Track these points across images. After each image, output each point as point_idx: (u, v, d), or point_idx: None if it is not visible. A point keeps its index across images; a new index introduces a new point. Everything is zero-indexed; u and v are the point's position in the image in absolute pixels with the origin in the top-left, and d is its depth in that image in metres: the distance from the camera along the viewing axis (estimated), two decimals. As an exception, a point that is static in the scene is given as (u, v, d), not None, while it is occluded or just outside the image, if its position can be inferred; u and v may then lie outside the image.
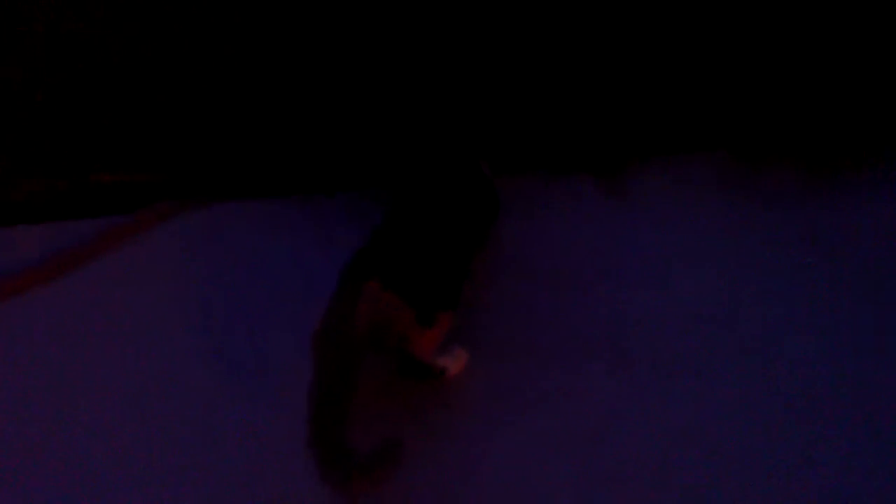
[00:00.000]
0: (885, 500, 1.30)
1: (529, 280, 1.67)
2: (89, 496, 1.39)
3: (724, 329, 1.54)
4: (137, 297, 1.70)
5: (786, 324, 1.53)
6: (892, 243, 1.63)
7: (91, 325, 1.66)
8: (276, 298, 1.68)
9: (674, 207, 1.79)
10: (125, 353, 1.60)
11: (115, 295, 1.71)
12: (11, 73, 1.93)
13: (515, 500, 1.34)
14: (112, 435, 1.47)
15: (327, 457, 1.22)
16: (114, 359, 1.59)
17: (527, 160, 1.85)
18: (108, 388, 1.54)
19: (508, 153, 1.84)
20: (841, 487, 1.31)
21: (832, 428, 1.38)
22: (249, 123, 1.92)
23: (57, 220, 1.83)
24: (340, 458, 1.22)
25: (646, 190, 1.83)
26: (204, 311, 1.68)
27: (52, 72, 1.94)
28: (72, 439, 1.47)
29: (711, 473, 1.35)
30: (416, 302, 1.33)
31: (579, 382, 1.48)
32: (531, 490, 1.35)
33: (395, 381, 1.48)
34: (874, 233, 1.66)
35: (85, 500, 1.38)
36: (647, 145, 1.91)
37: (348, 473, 1.20)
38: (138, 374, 1.56)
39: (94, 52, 1.94)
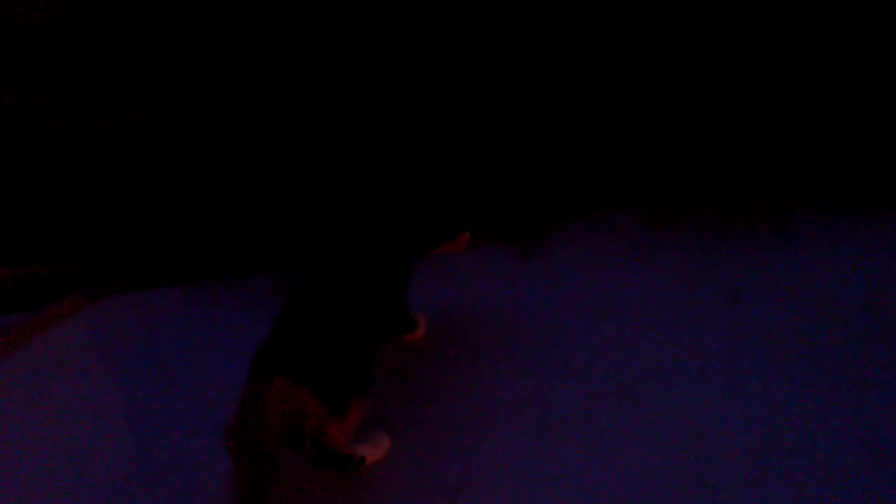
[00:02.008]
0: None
1: (448, 354, 1.66)
2: None
3: (643, 390, 1.55)
4: (45, 396, 1.63)
5: (705, 382, 1.54)
6: (806, 297, 1.66)
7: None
8: (187, 388, 1.63)
9: (591, 267, 1.80)
10: (35, 451, 1.57)
11: (22, 398, 1.64)
12: None
13: None
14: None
15: None
16: (22, 454, 1.57)
17: (442, 230, 1.84)
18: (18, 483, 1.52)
19: (425, 224, 1.84)
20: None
21: (751, 482, 1.40)
22: (152, 212, 1.88)
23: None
24: None
25: (562, 252, 1.84)
26: (114, 406, 1.62)
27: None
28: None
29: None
30: (328, 394, 1.30)
31: (502, 459, 1.47)
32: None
33: (313, 473, 1.44)
34: (790, 285, 1.69)
35: None
36: (562, 207, 1.93)
37: None
38: (46, 471, 1.54)
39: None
